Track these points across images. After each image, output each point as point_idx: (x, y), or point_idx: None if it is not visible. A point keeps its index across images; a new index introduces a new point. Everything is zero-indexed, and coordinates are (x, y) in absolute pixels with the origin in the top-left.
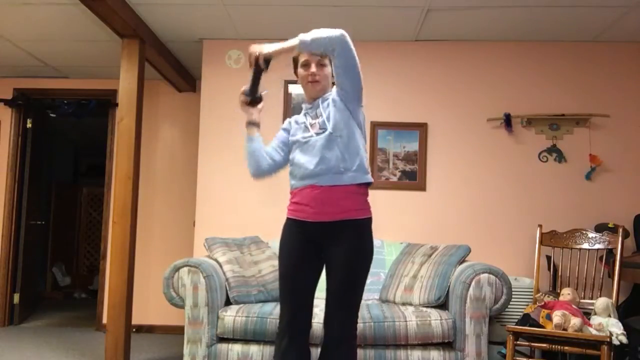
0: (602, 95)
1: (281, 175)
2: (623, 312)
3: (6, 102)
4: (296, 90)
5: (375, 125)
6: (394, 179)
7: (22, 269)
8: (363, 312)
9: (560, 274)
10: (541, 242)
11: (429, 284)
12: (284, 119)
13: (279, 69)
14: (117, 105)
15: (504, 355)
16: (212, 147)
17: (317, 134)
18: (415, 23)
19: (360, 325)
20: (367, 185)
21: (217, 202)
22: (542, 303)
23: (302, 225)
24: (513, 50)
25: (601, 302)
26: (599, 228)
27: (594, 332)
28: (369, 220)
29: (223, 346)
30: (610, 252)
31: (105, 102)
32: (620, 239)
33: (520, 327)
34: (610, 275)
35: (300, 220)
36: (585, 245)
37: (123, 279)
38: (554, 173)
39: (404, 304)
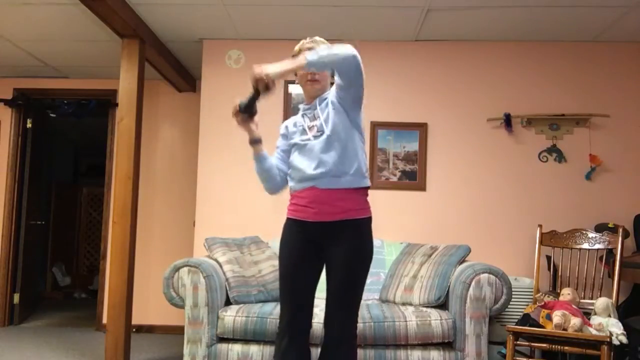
0: (602, 95)
1: None
2: (623, 312)
3: (6, 102)
4: (296, 90)
5: (375, 125)
6: (394, 179)
7: (22, 269)
8: (363, 312)
9: (560, 274)
10: (541, 242)
11: (429, 284)
12: (284, 118)
13: None
14: (117, 105)
15: (504, 355)
16: (212, 147)
17: (315, 136)
18: (415, 23)
19: (360, 325)
20: (366, 187)
21: (217, 202)
22: (542, 303)
23: (302, 225)
24: (513, 50)
25: (601, 302)
26: (599, 228)
27: (594, 332)
28: (369, 220)
29: (223, 346)
30: (610, 252)
31: (105, 102)
32: (620, 239)
33: (520, 327)
34: (610, 275)
35: (300, 220)
36: (585, 245)
37: (123, 279)
38: (554, 173)
39: (404, 304)
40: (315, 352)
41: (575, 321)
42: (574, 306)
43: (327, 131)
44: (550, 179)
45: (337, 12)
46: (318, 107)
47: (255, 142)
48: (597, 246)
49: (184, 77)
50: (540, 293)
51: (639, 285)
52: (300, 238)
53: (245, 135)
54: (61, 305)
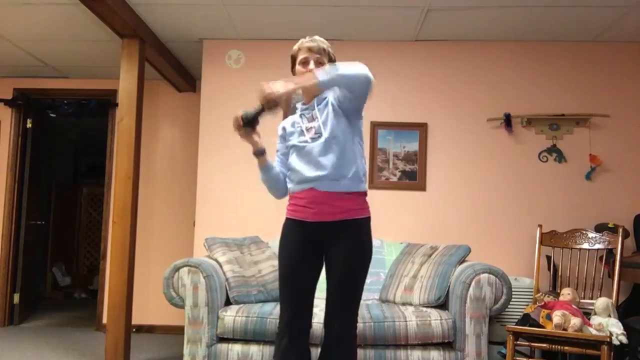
0: (602, 95)
1: None
2: (623, 312)
3: (6, 102)
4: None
5: (375, 125)
6: (394, 179)
7: (22, 269)
8: (363, 312)
9: (560, 274)
10: (541, 242)
11: (429, 284)
12: (284, 118)
13: (279, 69)
14: (117, 105)
15: (504, 355)
16: (212, 147)
17: (313, 139)
18: (415, 23)
19: (360, 325)
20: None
21: (217, 202)
22: (542, 303)
23: (302, 225)
24: (513, 50)
25: (601, 302)
26: (599, 228)
27: (594, 332)
28: (368, 220)
29: (223, 346)
30: (610, 252)
31: (105, 102)
32: (620, 239)
33: (520, 327)
34: (610, 275)
35: (299, 220)
36: (585, 245)
37: (123, 279)
38: (554, 173)
39: (404, 304)
40: (315, 352)
41: (575, 321)
42: (574, 306)
43: (325, 134)
44: (550, 179)
45: (337, 12)
46: (316, 108)
47: (259, 153)
48: (597, 246)
49: (184, 77)
50: (540, 293)
51: (639, 285)
52: (300, 238)
53: None
54: (61, 305)
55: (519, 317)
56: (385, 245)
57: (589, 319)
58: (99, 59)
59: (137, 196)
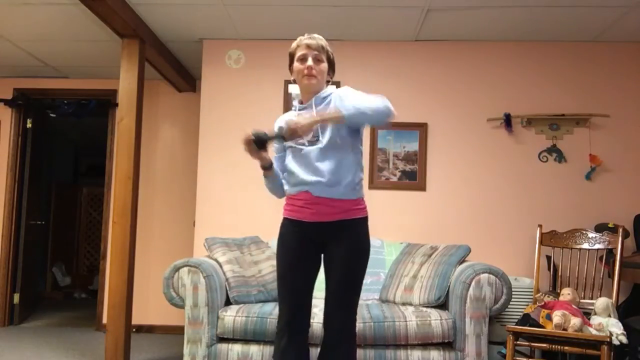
0: (602, 95)
1: None
2: (623, 312)
3: (6, 102)
4: (296, 90)
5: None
6: (394, 179)
7: (22, 269)
8: (363, 312)
9: (560, 274)
10: (541, 242)
11: (429, 284)
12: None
13: (279, 69)
14: (117, 105)
15: (504, 355)
16: (212, 147)
17: (311, 142)
18: (415, 23)
19: (360, 325)
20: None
21: (217, 202)
22: (542, 303)
23: (300, 225)
24: (513, 50)
25: (601, 302)
26: (599, 228)
27: (594, 332)
28: (365, 220)
29: (223, 346)
30: (610, 252)
31: (105, 102)
32: (620, 239)
33: (520, 327)
34: (610, 275)
35: (298, 220)
36: (585, 245)
37: (123, 279)
38: (554, 173)
39: (404, 304)
40: (315, 352)
41: (575, 321)
42: (574, 306)
43: (324, 141)
44: (550, 179)
45: (337, 12)
46: (315, 109)
47: (267, 167)
48: (597, 246)
49: (184, 77)
50: (540, 293)
51: (639, 285)
52: (298, 238)
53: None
54: (61, 305)
55: (519, 317)
56: (385, 245)
57: (589, 319)
58: (99, 59)
59: (137, 196)
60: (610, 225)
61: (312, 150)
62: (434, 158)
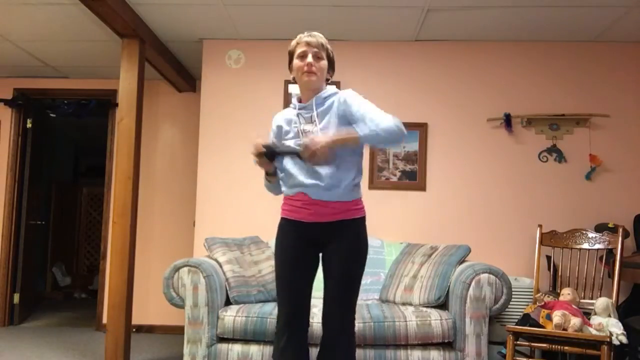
0: (602, 95)
1: None
2: (623, 312)
3: (6, 102)
4: (296, 90)
5: None
6: (394, 179)
7: (22, 269)
8: (363, 312)
9: (560, 274)
10: (541, 242)
11: (429, 284)
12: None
13: (279, 69)
14: (117, 105)
15: (504, 355)
16: (212, 147)
17: None
18: (415, 23)
19: (360, 325)
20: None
21: (217, 202)
22: (542, 303)
23: (298, 225)
24: (513, 50)
25: (601, 302)
26: (599, 228)
27: (594, 332)
28: (363, 219)
29: (223, 346)
30: (610, 252)
31: (105, 102)
32: (620, 239)
33: (520, 327)
34: (610, 275)
35: (296, 221)
36: (585, 245)
37: (123, 279)
38: (554, 173)
39: (404, 304)
40: (315, 352)
41: (575, 321)
42: (574, 306)
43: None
44: (550, 179)
45: (337, 12)
46: (315, 110)
47: (272, 174)
48: (597, 246)
49: (184, 77)
50: (540, 293)
51: (639, 285)
52: (296, 237)
53: (245, 135)
54: (61, 305)
55: (519, 317)
56: (385, 245)
57: (589, 319)
58: (99, 59)
59: (137, 196)
60: (610, 225)
61: None
62: (434, 158)
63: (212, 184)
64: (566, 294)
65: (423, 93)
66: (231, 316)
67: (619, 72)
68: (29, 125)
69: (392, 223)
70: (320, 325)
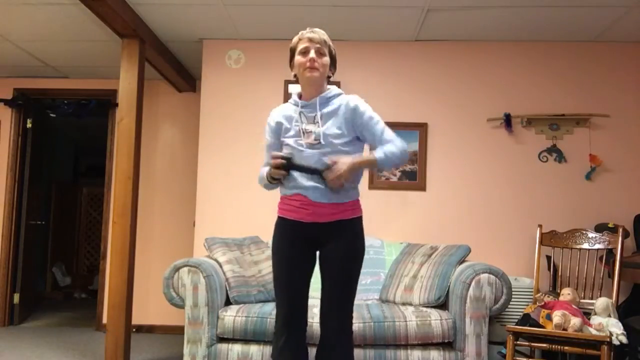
0: (602, 95)
1: None
2: (623, 312)
3: (6, 102)
4: (296, 90)
5: None
6: (394, 179)
7: (22, 269)
8: (363, 312)
9: (560, 274)
10: (541, 242)
11: (429, 284)
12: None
13: (279, 69)
14: (117, 105)
15: (504, 355)
16: (212, 147)
17: (311, 145)
18: (415, 23)
19: (360, 325)
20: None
21: (217, 202)
22: (542, 303)
23: (296, 225)
24: (513, 50)
25: (601, 302)
26: (599, 228)
27: (594, 332)
28: (360, 219)
29: (223, 346)
30: (610, 252)
31: (105, 102)
32: (620, 239)
33: (520, 327)
34: (610, 275)
35: (294, 220)
36: (585, 245)
37: (123, 279)
38: (554, 173)
39: (404, 304)
40: (313, 351)
41: (575, 321)
42: (574, 306)
43: (327, 147)
44: (550, 179)
45: (337, 12)
46: (319, 111)
47: (278, 180)
48: (597, 246)
49: (184, 77)
50: (540, 293)
51: (639, 285)
52: (293, 237)
53: (245, 135)
54: (61, 305)
55: (519, 317)
56: (385, 245)
57: (589, 319)
58: (98, 59)
59: (137, 196)
60: (610, 225)
61: (312, 154)
62: (434, 158)
63: (212, 184)
64: (566, 294)
65: (423, 93)
66: (231, 316)
67: (619, 72)
68: (29, 125)
69: (392, 223)
70: (318, 324)
